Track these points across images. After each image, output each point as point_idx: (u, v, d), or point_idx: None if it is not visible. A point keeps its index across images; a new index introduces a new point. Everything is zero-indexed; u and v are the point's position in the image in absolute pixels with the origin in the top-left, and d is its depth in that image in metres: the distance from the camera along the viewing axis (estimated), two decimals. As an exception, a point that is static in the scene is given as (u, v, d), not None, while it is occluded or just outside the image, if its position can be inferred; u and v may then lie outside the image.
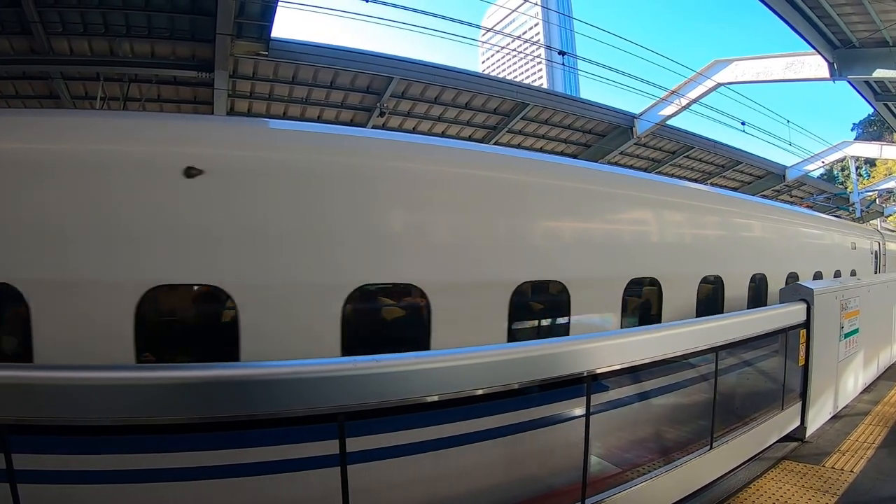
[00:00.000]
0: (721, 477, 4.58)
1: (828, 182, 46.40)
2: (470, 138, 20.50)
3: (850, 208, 33.75)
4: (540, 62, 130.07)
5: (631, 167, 24.23)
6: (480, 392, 2.93)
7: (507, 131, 20.56)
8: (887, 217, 38.50)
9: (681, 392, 4.93)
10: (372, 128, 16.86)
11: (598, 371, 3.42)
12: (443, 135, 19.90)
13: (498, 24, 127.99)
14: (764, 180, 31.88)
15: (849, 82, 17.87)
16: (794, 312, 5.59)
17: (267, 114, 17.12)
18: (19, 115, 6.62)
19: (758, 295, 8.98)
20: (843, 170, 54.70)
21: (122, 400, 2.27)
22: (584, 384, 3.39)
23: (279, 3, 12.18)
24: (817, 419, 5.99)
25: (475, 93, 18.39)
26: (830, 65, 16.37)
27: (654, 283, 6.91)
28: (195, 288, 4.25)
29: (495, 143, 20.24)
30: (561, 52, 16.56)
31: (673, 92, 20.30)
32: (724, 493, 4.44)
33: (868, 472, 4.90)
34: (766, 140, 27.93)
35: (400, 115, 18.63)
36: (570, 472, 3.50)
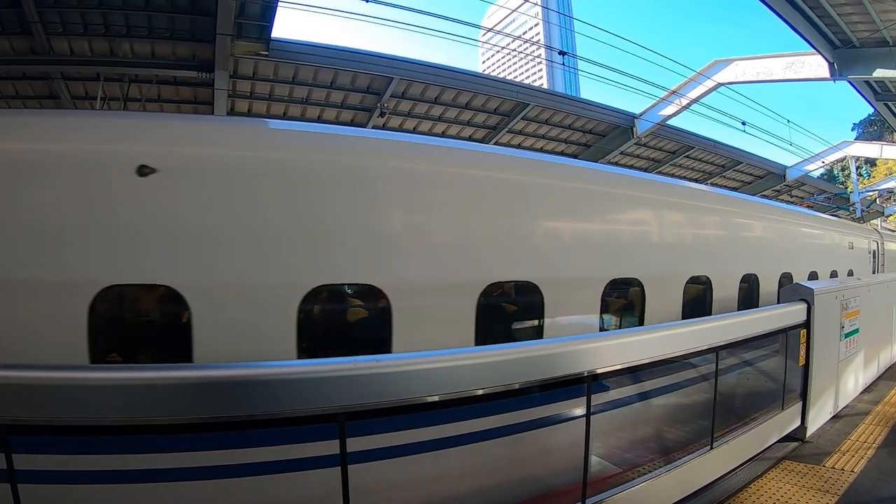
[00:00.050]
0: (721, 477, 4.58)
1: (828, 182, 46.40)
2: (470, 138, 20.50)
3: (851, 208, 33.73)
4: (540, 62, 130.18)
5: (631, 167, 24.24)
6: (481, 392, 2.93)
7: (507, 131, 20.55)
8: (888, 217, 38.49)
9: (681, 392, 4.92)
10: (373, 128, 16.85)
11: (599, 371, 3.42)
12: (443, 135, 19.90)
13: (498, 24, 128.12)
14: (764, 180, 31.87)
15: (849, 82, 17.87)
16: (794, 312, 5.59)
17: (267, 114, 17.13)
18: None
19: (749, 296, 8.73)
20: (843, 170, 54.70)
21: (123, 400, 2.27)
22: (584, 384, 3.39)
23: (279, 4, 12.18)
24: (818, 419, 5.98)
25: (475, 93, 18.38)
26: (831, 65, 16.36)
27: (636, 283, 6.70)
28: (147, 288, 4.15)
29: (495, 144, 20.24)
30: (561, 52, 16.56)
31: (673, 92, 20.29)
32: (724, 493, 4.44)
33: (868, 471, 4.90)
34: (766, 140, 28.00)
35: (400, 116, 18.63)
36: (571, 472, 3.50)
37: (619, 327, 6.57)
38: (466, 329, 5.12)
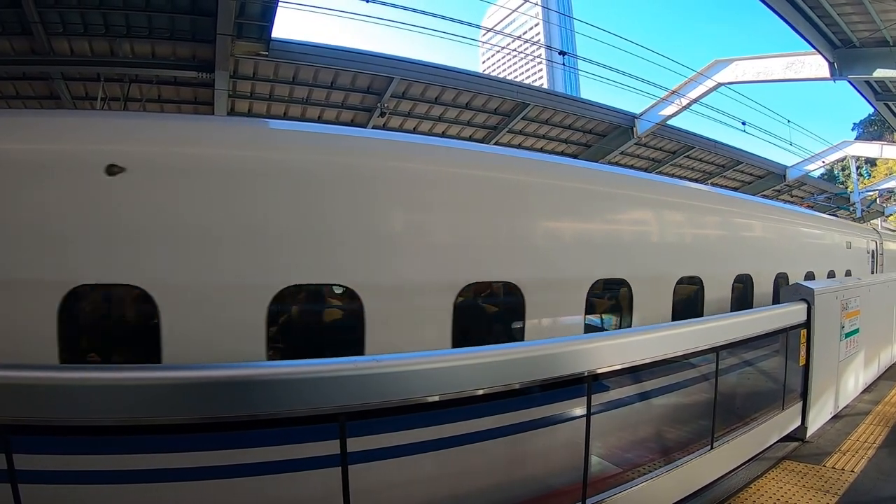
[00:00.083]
0: (722, 477, 4.58)
1: (828, 182, 46.36)
2: (470, 138, 20.49)
3: (851, 208, 33.70)
4: (540, 62, 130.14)
5: (632, 167, 24.23)
6: (481, 392, 2.93)
7: (507, 131, 20.55)
8: (888, 217, 38.45)
9: (681, 392, 4.92)
10: (373, 128, 16.85)
11: (599, 371, 3.42)
12: (443, 135, 19.90)
13: (498, 24, 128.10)
14: (764, 180, 31.86)
15: (849, 82, 17.85)
16: (794, 312, 5.59)
17: (267, 114, 17.13)
18: None
19: (743, 297, 8.48)
20: (843, 169, 54.66)
21: (123, 400, 2.27)
22: (584, 384, 3.39)
23: (279, 4, 12.18)
24: (818, 419, 5.99)
25: (476, 93, 18.36)
26: (831, 64, 16.35)
27: (623, 284, 6.51)
28: (116, 288, 4.10)
29: (496, 144, 20.24)
30: (561, 52, 16.55)
31: (673, 92, 20.28)
32: (724, 493, 4.44)
33: (869, 471, 4.90)
34: (766, 140, 27.99)
35: (400, 116, 18.63)
36: (571, 472, 3.50)
37: (606, 329, 6.43)
38: (442, 331, 5.01)
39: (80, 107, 14.61)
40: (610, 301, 6.59)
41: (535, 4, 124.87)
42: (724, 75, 19.22)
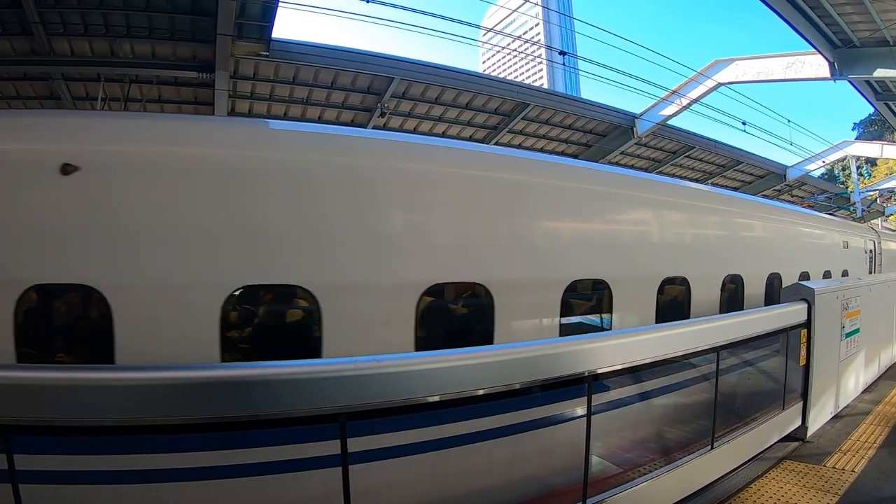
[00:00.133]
0: (722, 477, 4.58)
1: (829, 182, 46.34)
2: (471, 138, 20.50)
3: (851, 208, 33.70)
4: (540, 62, 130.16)
5: (632, 167, 24.24)
6: (482, 392, 2.93)
7: (507, 131, 20.55)
8: (888, 216, 38.45)
9: (682, 392, 4.92)
10: (373, 128, 16.86)
11: (600, 371, 3.42)
12: (443, 135, 19.90)
13: (498, 24, 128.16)
14: (765, 180, 31.86)
15: (849, 82, 17.85)
16: (794, 312, 5.59)
17: (268, 114, 17.13)
18: None
19: (733, 299, 8.18)
20: (843, 169, 54.64)
21: (124, 400, 2.27)
22: (585, 384, 3.39)
23: (279, 4, 12.19)
24: (818, 419, 5.98)
25: (476, 93, 18.37)
26: (831, 64, 16.35)
27: (602, 285, 6.24)
28: (69, 287, 4.07)
29: (496, 144, 20.24)
30: (561, 52, 16.56)
31: (674, 92, 20.29)
32: (725, 492, 4.44)
33: (869, 471, 4.90)
34: (766, 140, 27.99)
35: (401, 116, 18.63)
36: (572, 472, 3.50)
37: (583, 332, 6.07)
38: (405, 333, 4.85)
39: (80, 107, 14.63)
40: (588, 303, 6.36)
41: (536, 4, 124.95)
42: (724, 75, 19.23)
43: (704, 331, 4.46)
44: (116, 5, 11.53)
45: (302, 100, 16.83)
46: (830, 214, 19.22)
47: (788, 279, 9.39)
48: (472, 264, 5.33)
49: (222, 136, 4.94)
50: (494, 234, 5.59)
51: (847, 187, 39.47)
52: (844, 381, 6.64)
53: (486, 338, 5.26)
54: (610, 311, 6.28)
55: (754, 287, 8.72)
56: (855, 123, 75.46)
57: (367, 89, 16.90)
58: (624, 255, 6.64)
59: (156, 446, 3.02)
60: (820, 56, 16.24)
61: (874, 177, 56.78)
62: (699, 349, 4.32)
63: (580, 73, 18.95)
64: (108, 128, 4.66)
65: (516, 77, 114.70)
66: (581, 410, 3.45)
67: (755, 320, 5.12)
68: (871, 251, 15.84)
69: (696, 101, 19.94)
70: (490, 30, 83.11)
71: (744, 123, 21.20)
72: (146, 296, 4.05)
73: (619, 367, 3.60)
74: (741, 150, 28.46)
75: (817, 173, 36.33)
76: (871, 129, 66.53)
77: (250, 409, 2.42)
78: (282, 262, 4.49)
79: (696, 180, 27.43)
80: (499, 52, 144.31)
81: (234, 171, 4.51)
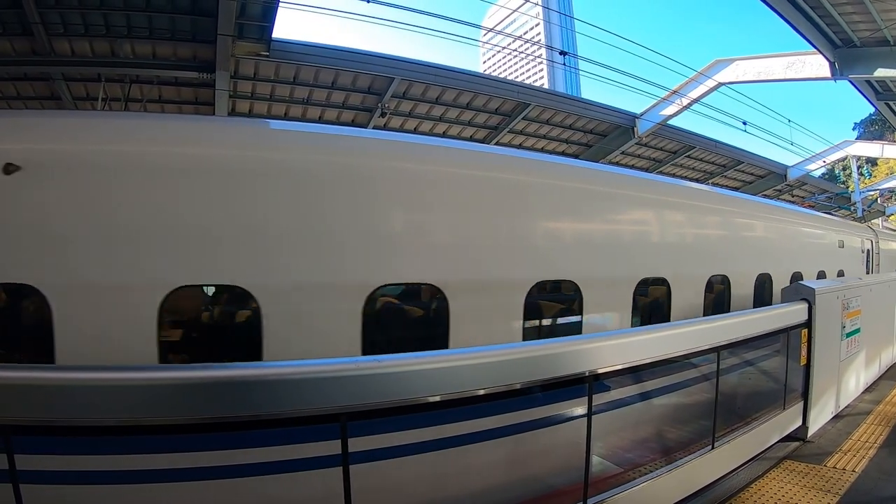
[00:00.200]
0: (723, 477, 4.58)
1: (829, 182, 46.32)
2: (471, 138, 20.48)
3: (852, 208, 33.69)
4: (541, 62, 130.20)
5: (632, 167, 24.24)
6: (482, 392, 2.93)
7: (508, 131, 20.55)
8: (889, 216, 38.42)
9: (682, 392, 4.92)
10: (373, 128, 16.86)
11: (600, 371, 3.42)
12: (444, 135, 19.90)
13: (499, 24, 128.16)
14: (765, 180, 31.84)
15: (850, 82, 17.83)
16: (795, 312, 5.59)
17: (268, 114, 17.13)
18: None
19: (718, 301, 7.83)
20: (844, 169, 54.63)
21: (124, 400, 2.28)
22: (585, 384, 3.39)
23: (280, 4, 12.19)
24: (819, 419, 5.98)
25: (476, 93, 18.36)
26: (832, 64, 16.33)
27: (571, 287, 5.92)
28: (8, 287, 4.03)
29: (496, 144, 20.24)
30: (562, 52, 16.56)
31: (674, 92, 20.28)
32: (725, 492, 4.44)
33: (870, 471, 4.90)
34: (767, 140, 27.96)
35: (401, 116, 18.63)
36: (572, 472, 3.50)
37: (551, 336, 5.78)
38: (351, 336, 4.65)
39: (81, 107, 14.63)
40: (554, 305, 6.06)
41: (536, 4, 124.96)
42: (724, 75, 19.22)
43: (705, 331, 4.46)
44: (117, 6, 11.53)
45: (302, 100, 16.83)
46: (828, 214, 19.11)
47: (779, 280, 9.20)
48: (424, 265, 5.11)
49: (151, 134, 4.79)
50: (449, 232, 5.37)
51: (848, 187, 39.43)
52: (845, 380, 6.64)
53: (440, 342, 5.02)
54: (580, 313, 5.97)
55: (743, 288, 8.41)
56: (855, 123, 75.66)
57: (368, 89, 16.90)
58: (595, 255, 6.34)
59: (156, 446, 3.02)
60: (820, 56, 16.22)
61: (875, 176, 56.80)
62: (700, 349, 4.32)
63: (581, 73, 18.95)
64: (54, 127, 4.60)
65: (517, 77, 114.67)
66: (582, 410, 3.45)
67: (756, 320, 5.12)
68: (868, 251, 15.66)
69: (696, 100, 19.93)
70: (490, 30, 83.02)
71: (744, 123, 21.18)
72: (85, 296, 4.01)
73: (619, 367, 3.60)
74: (742, 149, 28.44)
75: (818, 173, 36.32)
76: (871, 129, 66.59)
77: (251, 409, 2.42)
78: (220, 261, 4.38)
79: (697, 180, 27.42)
80: (499, 52, 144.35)
81: (164, 170, 4.40)
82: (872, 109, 27.34)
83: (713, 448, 4.42)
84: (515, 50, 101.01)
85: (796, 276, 9.92)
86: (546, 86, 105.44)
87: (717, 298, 7.88)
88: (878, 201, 36.91)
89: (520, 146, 21.58)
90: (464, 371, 2.88)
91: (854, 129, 74.53)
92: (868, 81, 18.15)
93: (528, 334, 5.56)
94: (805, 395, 5.73)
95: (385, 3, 11.93)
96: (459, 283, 5.16)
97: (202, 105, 15.67)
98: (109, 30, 12.08)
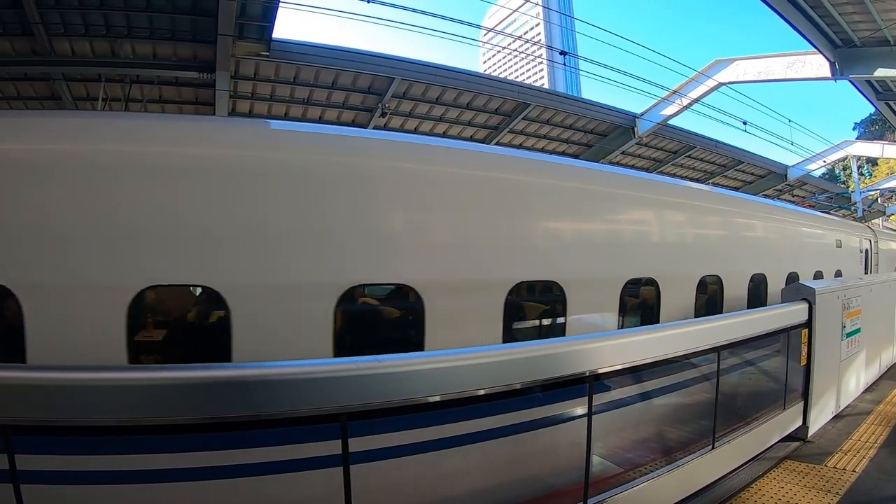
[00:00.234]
0: (723, 477, 4.58)
1: (830, 181, 46.33)
2: (471, 138, 20.49)
3: (852, 208, 33.69)
4: (541, 62, 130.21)
5: (633, 167, 24.25)
6: (483, 392, 2.93)
7: (508, 131, 20.56)
8: (889, 216, 38.43)
9: (683, 392, 4.92)
10: (374, 128, 16.87)
11: (601, 371, 3.42)
12: (444, 135, 19.90)
13: (499, 24, 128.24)
14: (766, 180, 31.86)
15: (850, 81, 17.84)
16: (795, 312, 5.58)
17: (268, 114, 17.14)
18: None
19: (711, 302, 7.63)
20: (844, 169, 54.64)
21: (125, 400, 2.28)
22: (586, 384, 3.39)
23: (280, 4, 12.19)
24: (819, 419, 5.98)
25: (477, 93, 18.38)
26: (832, 64, 16.33)
27: (554, 288, 5.75)
28: None
29: (497, 144, 20.25)
30: (562, 52, 16.55)
31: (674, 92, 20.29)
32: (726, 492, 4.44)
33: (870, 471, 4.90)
34: (767, 139, 27.95)
35: (402, 116, 18.64)
36: (573, 472, 3.50)
37: (533, 338, 5.71)
38: (322, 338, 4.51)
39: (81, 107, 14.65)
40: (536, 306, 5.92)
41: (536, 4, 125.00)
42: (724, 75, 19.23)
43: (705, 331, 4.46)
44: (117, 6, 11.55)
45: (303, 100, 16.85)
46: (826, 213, 19.05)
47: (775, 280, 9.07)
48: (397, 264, 4.95)
49: (88, 133, 4.62)
50: (422, 231, 5.20)
51: (848, 187, 39.46)
52: (845, 380, 6.64)
53: (415, 344, 4.88)
54: (564, 315, 5.77)
55: (736, 289, 8.19)
56: (856, 123, 75.77)
57: (368, 89, 16.91)
58: (579, 254, 6.15)
59: (156, 446, 3.02)
60: (821, 56, 16.23)
61: (875, 176, 56.84)
62: (700, 349, 4.32)
63: (581, 73, 18.94)
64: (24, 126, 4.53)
65: (517, 77, 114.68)
66: (582, 410, 3.45)
67: (756, 320, 5.12)
68: (866, 251, 15.50)
69: (696, 100, 19.94)
70: (491, 30, 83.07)
71: (744, 123, 21.18)
72: (55, 295, 3.94)
73: (620, 367, 3.60)
74: (742, 149, 28.46)
75: (818, 173, 36.34)
76: (871, 129, 66.65)
77: (251, 409, 2.42)
78: (188, 261, 4.25)
79: (697, 180, 27.44)
80: (499, 52, 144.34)
81: (127, 169, 4.29)
82: (873, 109, 27.33)
83: (713, 448, 4.42)
84: (515, 50, 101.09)
85: (792, 277, 9.78)
86: (546, 86, 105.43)
87: (710, 299, 7.70)
88: (879, 201, 36.96)
89: (520, 146, 21.59)
90: (464, 371, 2.88)
91: (854, 128, 74.75)
92: (868, 81, 18.16)
93: (508, 338, 5.39)
94: (805, 395, 5.73)
95: (385, 3, 11.95)
96: (435, 283, 5.01)
97: (202, 105, 15.68)
98: (110, 30, 12.09)
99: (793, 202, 29.82)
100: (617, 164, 22.93)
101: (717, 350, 4.41)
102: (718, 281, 7.80)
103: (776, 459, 5.15)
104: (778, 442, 5.43)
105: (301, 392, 2.48)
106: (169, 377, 2.40)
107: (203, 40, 12.52)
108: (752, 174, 31.29)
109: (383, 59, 15.94)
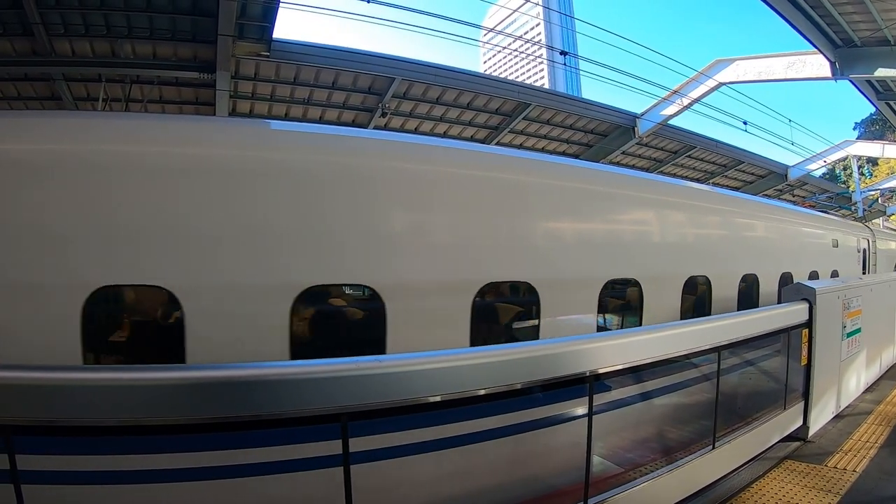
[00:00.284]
0: (724, 477, 4.58)
1: (830, 181, 46.32)
2: (472, 138, 20.49)
3: (853, 207, 33.69)
4: (541, 62, 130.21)
5: (633, 167, 24.26)
6: (483, 392, 2.93)
7: (508, 132, 20.56)
8: (889, 216, 38.41)
9: (683, 392, 4.92)
10: (374, 128, 16.87)
11: (601, 371, 3.42)
12: (444, 135, 19.90)
13: (499, 24, 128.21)
14: (766, 180, 31.85)
15: (851, 81, 17.83)
16: (796, 312, 5.59)
17: (269, 114, 17.14)
18: None
19: (698, 303, 7.35)
20: (845, 169, 54.60)
21: (124, 400, 2.28)
22: (586, 384, 3.39)
23: (280, 4, 12.19)
24: (819, 419, 5.98)
25: (477, 93, 18.37)
26: (832, 64, 16.32)
27: (527, 289, 5.51)
28: None
29: (497, 144, 20.25)
30: (562, 52, 16.54)
31: (675, 92, 20.28)
32: (726, 492, 4.44)
33: (870, 471, 4.90)
34: (768, 139, 27.94)
35: (402, 116, 18.64)
36: (573, 472, 3.50)
37: (505, 341, 5.59)
38: (278, 340, 4.37)
39: (81, 107, 14.65)
40: (508, 308, 5.70)
41: (536, 4, 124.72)
42: (725, 75, 19.22)
43: (705, 331, 4.46)
44: (117, 6, 11.55)
45: (303, 100, 16.85)
46: (824, 213, 19.01)
47: (767, 280, 8.92)
48: (358, 265, 4.76)
49: (42, 131, 4.49)
50: (381, 231, 4.99)
51: (848, 187, 39.42)
52: (846, 380, 6.64)
53: (376, 347, 4.69)
54: (537, 317, 5.54)
55: (726, 290, 7.94)
56: (856, 123, 75.74)
57: (369, 90, 16.91)
58: (554, 254, 5.89)
59: (156, 446, 3.02)
60: (821, 56, 16.22)
61: (875, 176, 56.83)
62: (700, 349, 4.32)
63: (581, 73, 18.92)
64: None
65: (517, 77, 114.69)
66: (582, 410, 3.45)
67: (756, 320, 5.12)
68: (864, 251, 15.35)
69: (697, 100, 19.93)
70: (491, 30, 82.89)
71: (745, 123, 21.16)
72: (14, 295, 3.89)
73: (620, 367, 3.60)
74: (742, 149, 28.45)
75: (819, 173, 36.34)
76: (872, 129, 66.63)
77: (252, 409, 2.42)
78: (141, 259, 4.14)
79: (698, 180, 27.44)
80: (500, 52, 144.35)
81: (95, 168, 4.23)
82: (873, 109, 27.32)
83: (714, 448, 4.42)
84: (516, 50, 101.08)
85: (786, 277, 9.54)
86: (546, 86, 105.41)
87: (697, 301, 7.42)
88: (879, 201, 36.95)
89: (520, 146, 21.59)
90: (464, 371, 2.88)
91: (855, 128, 74.74)
92: (869, 81, 18.15)
93: (476, 341, 5.16)
94: (806, 395, 5.73)
95: (385, 3, 11.94)
96: (396, 284, 4.82)
97: (202, 105, 15.68)
98: (110, 30, 12.09)
99: (793, 202, 29.81)
100: (617, 164, 22.93)
101: (717, 350, 4.41)
102: (707, 282, 7.55)
103: (776, 459, 5.15)
104: (778, 442, 5.44)
105: (302, 392, 2.48)
106: (169, 377, 2.40)
107: (203, 40, 12.52)
108: (752, 174, 31.28)
109: (383, 59, 15.93)
